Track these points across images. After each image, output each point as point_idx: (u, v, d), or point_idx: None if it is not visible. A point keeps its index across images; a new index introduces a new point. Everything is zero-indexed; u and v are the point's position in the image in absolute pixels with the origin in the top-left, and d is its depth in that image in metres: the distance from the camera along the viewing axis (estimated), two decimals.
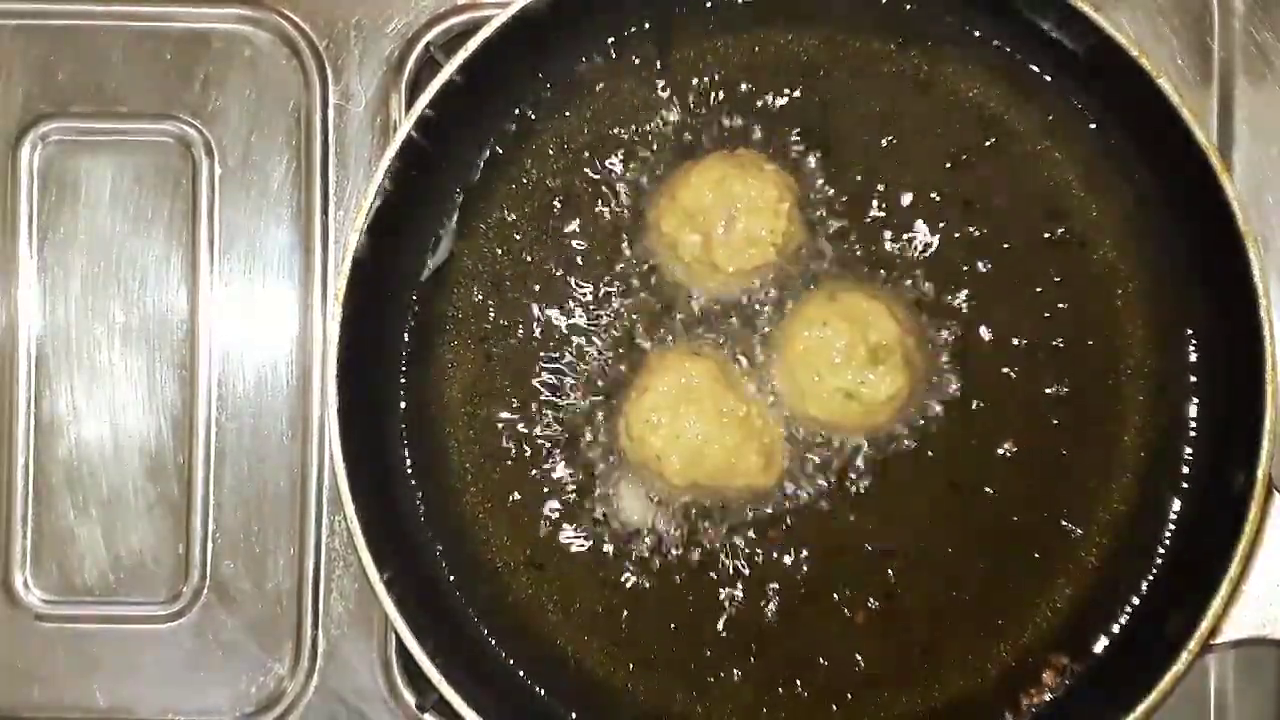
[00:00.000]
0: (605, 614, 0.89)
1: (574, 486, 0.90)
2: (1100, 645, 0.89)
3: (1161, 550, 0.89)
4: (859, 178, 0.90)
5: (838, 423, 0.87)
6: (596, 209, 0.90)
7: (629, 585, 0.89)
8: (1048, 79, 0.90)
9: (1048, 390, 0.89)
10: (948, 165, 0.90)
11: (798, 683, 0.89)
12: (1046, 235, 0.90)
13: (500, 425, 0.90)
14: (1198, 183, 0.84)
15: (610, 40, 0.91)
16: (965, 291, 0.89)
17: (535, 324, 0.90)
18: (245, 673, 0.93)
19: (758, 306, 0.89)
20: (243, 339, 0.94)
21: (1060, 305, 0.89)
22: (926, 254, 0.89)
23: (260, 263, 0.94)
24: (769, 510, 0.89)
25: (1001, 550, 0.89)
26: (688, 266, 0.89)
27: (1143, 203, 0.89)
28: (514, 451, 0.90)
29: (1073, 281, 0.89)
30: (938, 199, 0.90)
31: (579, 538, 0.90)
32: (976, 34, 0.90)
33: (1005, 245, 0.89)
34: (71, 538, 0.93)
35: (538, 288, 0.90)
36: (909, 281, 0.89)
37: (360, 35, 0.94)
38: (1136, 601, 0.89)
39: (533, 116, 0.91)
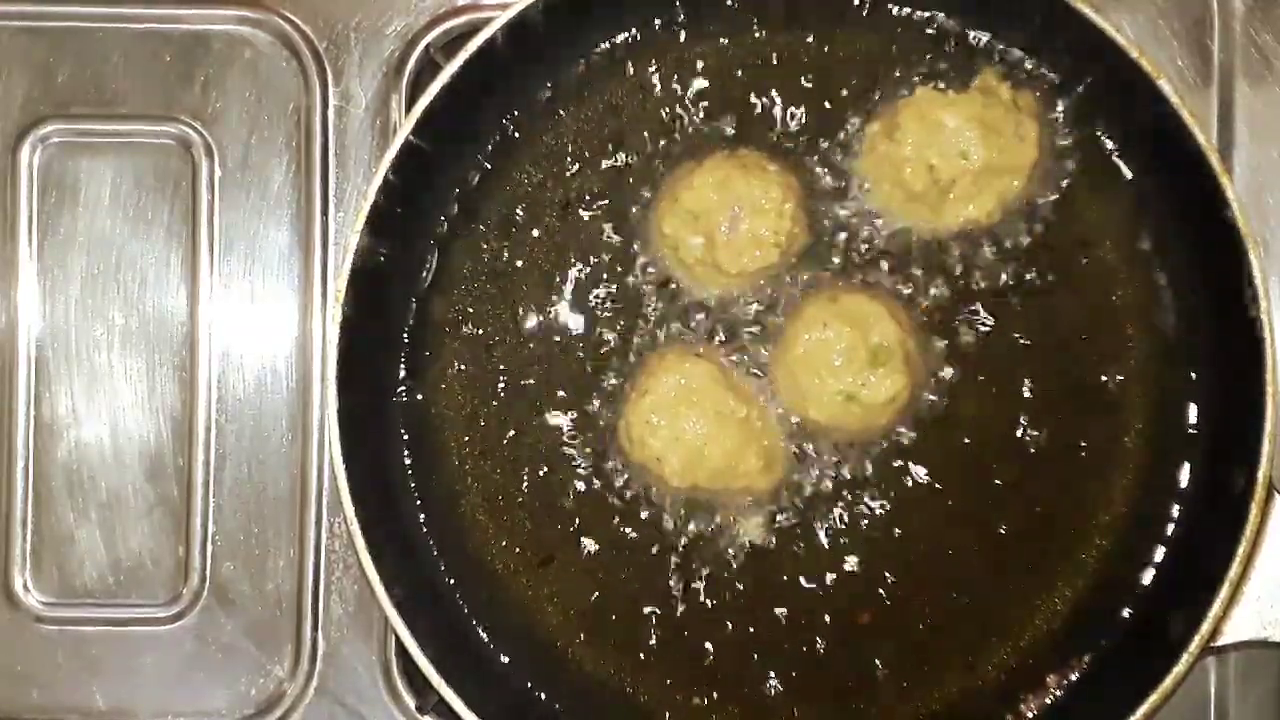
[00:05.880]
0: (605, 615, 0.89)
1: (573, 488, 0.90)
2: (1100, 647, 0.89)
3: (1162, 552, 0.89)
4: (860, 179, 0.90)
5: (838, 424, 0.87)
6: (596, 210, 0.90)
7: (628, 586, 0.89)
8: (1048, 80, 0.90)
9: (1048, 392, 0.89)
10: None
11: (799, 684, 0.89)
12: (1046, 236, 0.90)
13: (499, 427, 0.90)
14: (1198, 184, 0.84)
15: (609, 43, 0.91)
16: (966, 293, 0.89)
17: (535, 325, 0.90)
18: (245, 675, 0.93)
19: (758, 308, 0.89)
20: (242, 341, 0.94)
21: (1060, 306, 0.89)
22: (927, 256, 0.89)
23: (260, 264, 0.94)
24: (768, 512, 0.89)
25: (1002, 552, 0.89)
26: (689, 268, 0.88)
27: (1143, 203, 0.89)
28: (514, 453, 0.90)
29: (1072, 282, 0.89)
30: None
31: (579, 539, 0.89)
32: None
33: (1005, 246, 0.89)
34: (71, 540, 0.93)
35: (537, 289, 0.90)
36: (909, 284, 0.89)
37: (360, 37, 0.94)
38: (1137, 603, 0.89)
39: (532, 118, 0.91)
